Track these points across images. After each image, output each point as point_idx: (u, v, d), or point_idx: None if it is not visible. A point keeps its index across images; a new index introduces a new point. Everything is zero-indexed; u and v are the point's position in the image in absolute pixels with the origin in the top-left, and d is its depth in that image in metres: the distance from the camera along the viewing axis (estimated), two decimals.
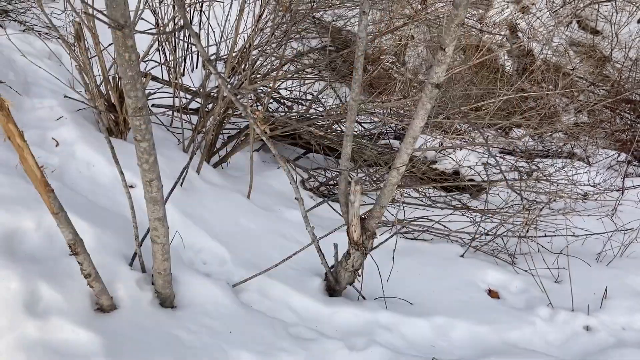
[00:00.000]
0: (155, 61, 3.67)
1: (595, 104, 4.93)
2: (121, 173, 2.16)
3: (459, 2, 1.74)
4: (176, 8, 2.88)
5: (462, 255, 3.37)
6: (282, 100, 4.63)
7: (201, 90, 3.58)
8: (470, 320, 2.74)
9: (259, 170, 3.88)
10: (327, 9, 5.67)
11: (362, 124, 4.64)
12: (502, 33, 6.94)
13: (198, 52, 4.43)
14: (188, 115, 3.80)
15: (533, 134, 4.58)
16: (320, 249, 2.63)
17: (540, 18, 7.23)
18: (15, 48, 3.43)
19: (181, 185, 3.04)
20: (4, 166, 2.44)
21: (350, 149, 2.49)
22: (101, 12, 1.50)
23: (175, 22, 3.87)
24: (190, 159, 2.98)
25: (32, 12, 5.59)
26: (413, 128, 2.18)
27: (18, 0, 5.96)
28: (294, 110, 4.49)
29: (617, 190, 4.11)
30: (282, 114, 4.33)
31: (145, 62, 3.28)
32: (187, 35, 4.46)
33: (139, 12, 2.95)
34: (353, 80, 2.28)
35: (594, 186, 4.07)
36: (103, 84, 3.11)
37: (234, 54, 3.71)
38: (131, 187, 2.76)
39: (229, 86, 3.33)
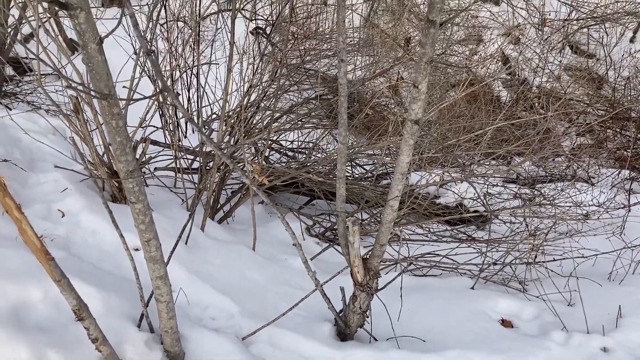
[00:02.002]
0: (154, 126, 3.79)
1: (593, 124, 4.97)
2: (121, 236, 2.22)
3: (424, 42, 1.82)
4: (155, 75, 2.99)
5: (472, 287, 3.35)
6: (282, 150, 4.72)
7: (200, 149, 3.68)
8: (484, 351, 2.70)
9: (264, 221, 3.94)
10: (318, 59, 5.84)
11: (364, 167, 4.71)
12: (495, 64, 7.07)
13: (198, 112, 4.57)
14: (190, 175, 3.90)
15: (534, 159, 4.61)
16: (325, 294, 2.65)
17: (531, 47, 7.36)
18: (21, 127, 3.57)
19: (186, 243, 3.09)
20: (8, 239, 2.52)
21: (344, 191, 2.54)
22: (82, 84, 1.59)
23: (173, 86, 4.01)
24: (191, 216, 3.04)
25: (39, 91, 5.83)
26: (400, 164, 2.23)
27: (25, 82, 6.23)
28: (294, 159, 4.58)
29: (622, 208, 4.09)
30: (283, 163, 4.42)
31: (143, 127, 3.40)
32: (189, 97, 4.62)
33: (136, 80, 3.08)
34: (339, 125, 2.35)
35: (598, 206, 4.06)
36: (104, 152, 3.22)
37: (230, 112, 3.83)
38: (136, 250, 2.81)
39: (220, 144, 3.42)
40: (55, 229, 2.89)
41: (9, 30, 4.63)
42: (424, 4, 6.89)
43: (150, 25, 3.32)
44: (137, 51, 3.29)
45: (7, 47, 4.80)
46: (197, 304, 2.76)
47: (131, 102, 2.05)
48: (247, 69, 3.44)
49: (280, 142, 4.75)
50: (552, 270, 3.48)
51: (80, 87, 1.58)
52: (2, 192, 1.60)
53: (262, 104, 4.12)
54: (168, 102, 3.72)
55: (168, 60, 4.08)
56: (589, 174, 4.83)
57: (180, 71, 4.04)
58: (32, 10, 2.72)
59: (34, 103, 5.89)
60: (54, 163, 3.49)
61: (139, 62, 3.10)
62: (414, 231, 4.03)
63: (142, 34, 3.32)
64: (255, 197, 3.61)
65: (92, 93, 1.69)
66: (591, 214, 3.87)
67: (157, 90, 3.08)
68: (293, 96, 5.37)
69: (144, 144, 3.43)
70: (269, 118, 4.35)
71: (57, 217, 2.99)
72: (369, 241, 3.94)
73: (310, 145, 4.75)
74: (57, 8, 1.54)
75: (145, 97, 1.66)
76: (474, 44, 7.69)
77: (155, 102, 3.39)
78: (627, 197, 4.32)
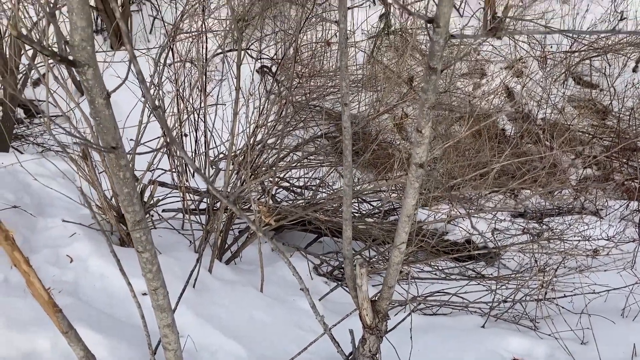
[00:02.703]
0: (162, 169, 3.83)
1: (599, 157, 4.97)
2: (129, 284, 2.23)
3: (426, 88, 1.84)
4: (162, 126, 3.04)
5: (483, 326, 3.31)
6: (290, 188, 4.75)
7: (208, 191, 3.70)
8: None
9: (272, 261, 3.93)
10: (323, 96, 5.92)
11: (371, 203, 4.71)
12: (499, 98, 7.11)
13: (205, 152, 4.62)
14: (198, 216, 3.91)
15: (541, 192, 4.60)
16: (333, 338, 2.62)
17: (534, 80, 7.41)
18: (30, 172, 3.62)
19: (193, 286, 3.09)
20: (17, 289, 2.53)
21: (351, 233, 2.54)
22: (88, 141, 1.62)
23: (181, 129, 4.07)
24: (198, 260, 3.04)
25: (49, 133, 5.92)
26: (406, 207, 2.23)
27: (34, 124, 6.33)
28: (302, 197, 4.59)
29: (632, 242, 4.05)
30: (290, 201, 4.43)
31: (151, 171, 3.43)
32: (196, 138, 4.67)
33: (142, 126, 3.13)
34: (344, 167, 2.37)
35: (608, 239, 4.03)
36: (112, 196, 3.25)
37: (237, 152, 3.87)
38: (144, 294, 2.81)
39: (226, 192, 3.45)
40: (64, 275, 2.89)
41: (20, 76, 4.73)
42: (426, 44, 6.98)
43: (158, 69, 3.38)
44: (145, 96, 3.35)
45: (18, 91, 4.89)
46: (206, 349, 2.74)
47: (139, 154, 2.09)
48: (254, 112, 3.48)
49: (287, 179, 4.78)
50: (563, 307, 3.44)
51: (88, 141, 1.61)
52: (11, 246, 1.62)
53: (269, 143, 4.15)
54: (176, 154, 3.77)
55: (175, 101, 4.14)
56: (597, 206, 4.81)
57: (187, 114, 4.10)
58: (41, 57, 2.78)
59: (44, 145, 5.97)
60: (64, 207, 3.51)
61: (146, 107, 3.15)
62: (422, 269, 4.00)
63: (150, 78, 3.39)
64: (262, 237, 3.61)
65: (100, 147, 1.72)
66: (600, 250, 3.84)
67: (165, 142, 3.12)
68: (299, 134, 5.42)
69: (151, 187, 3.46)
70: (275, 156, 4.38)
71: (66, 263, 3.00)
72: (378, 279, 3.92)
73: (317, 182, 4.77)
74: (65, 65, 1.58)
75: (152, 150, 1.69)
76: (477, 77, 7.76)
77: (159, 150, 3.43)
78: (637, 230, 4.28)
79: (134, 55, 1.49)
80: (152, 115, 3.33)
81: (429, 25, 1.71)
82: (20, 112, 6.28)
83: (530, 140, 5.72)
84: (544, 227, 4.33)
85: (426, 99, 1.88)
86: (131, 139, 2.91)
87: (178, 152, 3.74)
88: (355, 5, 7.53)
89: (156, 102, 3.33)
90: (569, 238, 3.86)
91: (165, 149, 3.58)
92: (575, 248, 3.75)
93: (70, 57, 1.60)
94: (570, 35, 7.69)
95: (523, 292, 3.48)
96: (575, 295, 3.48)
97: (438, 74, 1.82)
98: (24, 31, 3.14)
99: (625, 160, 5.43)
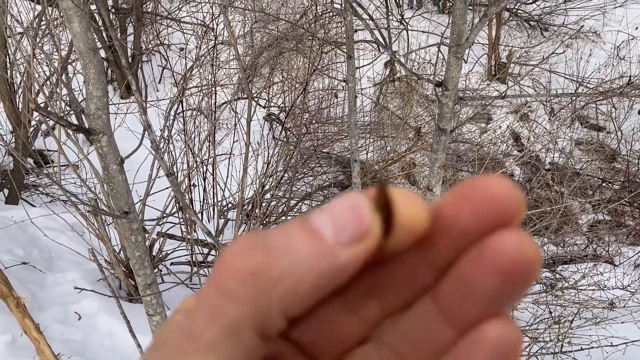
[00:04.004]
0: (171, 222, 3.83)
1: (612, 205, 4.93)
2: (139, 346, 2.20)
3: (436, 148, 1.85)
4: (174, 190, 3.06)
5: None
6: None
7: (216, 242, 3.68)
8: None
9: None
10: (331, 143, 5.95)
11: None
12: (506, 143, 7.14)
13: (213, 205, 4.63)
14: (206, 269, 3.88)
15: (552, 240, 4.55)
16: None
17: (540, 124, 7.45)
18: (39, 226, 3.62)
19: None
20: (27, 349, 2.50)
21: None
22: (99, 210, 1.62)
23: (190, 182, 4.09)
24: None
25: (59, 183, 5.95)
26: None
27: (44, 174, 6.37)
28: None
29: None
30: None
31: (161, 225, 3.43)
32: (204, 188, 4.69)
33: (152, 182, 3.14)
34: None
35: (623, 288, 3.95)
36: (120, 250, 3.24)
37: (246, 202, 3.87)
38: None
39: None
40: (72, 333, 2.86)
41: (31, 129, 4.80)
42: (431, 93, 7.05)
43: (168, 125, 3.42)
44: (155, 148, 3.38)
45: (29, 143, 4.95)
46: None
47: (150, 220, 2.10)
48: (263, 167, 3.51)
49: None
50: None
51: (101, 210, 1.61)
52: (22, 313, 1.60)
53: (277, 192, 4.16)
54: (189, 218, 3.78)
55: (185, 154, 4.18)
56: (610, 253, 4.75)
57: (197, 166, 4.13)
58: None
59: (53, 195, 5.99)
60: (73, 261, 3.51)
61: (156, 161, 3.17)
62: None
63: (160, 132, 3.43)
64: None
65: (113, 213, 1.72)
66: (616, 301, 3.77)
67: (178, 207, 3.13)
68: (308, 181, 5.43)
69: (160, 241, 3.45)
70: (284, 206, 4.38)
71: (74, 320, 2.97)
72: None
73: None
74: (81, 134, 1.60)
75: (165, 215, 1.69)
76: (483, 122, 7.81)
77: (173, 199, 3.44)
78: None
79: (148, 125, 1.51)
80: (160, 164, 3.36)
81: (437, 88, 1.73)
82: (30, 162, 6.34)
83: (539, 185, 5.69)
84: (558, 276, 4.26)
85: (436, 158, 1.89)
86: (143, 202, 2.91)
87: (190, 217, 3.74)
88: (362, 59, 7.63)
89: (168, 168, 3.36)
90: (584, 288, 3.79)
91: (176, 208, 3.59)
92: (591, 299, 3.68)
93: (86, 126, 1.63)
94: (575, 78, 7.76)
95: (538, 345, 3.40)
96: (592, 348, 3.39)
97: (447, 135, 1.83)
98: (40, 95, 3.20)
99: (637, 205, 5.39)
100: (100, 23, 5.40)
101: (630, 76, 5.33)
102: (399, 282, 0.28)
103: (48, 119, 3.01)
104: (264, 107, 6.51)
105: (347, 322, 0.29)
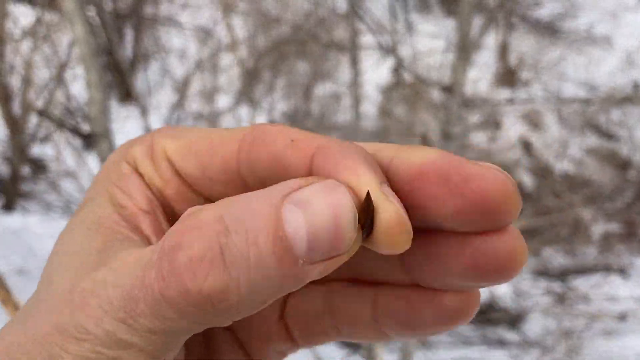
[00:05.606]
0: None
1: (622, 212, 4.83)
2: None
3: None
4: None
5: None
6: None
7: None
8: None
9: None
10: None
11: None
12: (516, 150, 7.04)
13: None
14: None
15: (562, 250, 4.46)
16: None
17: (549, 132, 7.35)
18: (35, 233, 3.57)
19: None
20: None
21: None
22: None
23: None
24: None
25: (57, 190, 5.92)
26: None
27: (40, 178, 6.34)
28: None
29: None
30: None
31: None
32: None
33: None
34: None
35: (635, 300, 3.84)
36: None
37: None
38: None
39: None
40: None
41: (28, 137, 4.76)
42: (438, 99, 6.98)
43: None
44: None
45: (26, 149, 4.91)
46: None
47: None
48: None
49: None
50: None
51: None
52: None
53: None
54: None
55: None
56: (621, 264, 4.64)
57: None
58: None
59: (51, 202, 5.94)
60: None
61: None
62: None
63: None
64: None
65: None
66: (629, 313, 3.66)
67: None
68: None
69: None
70: None
71: None
72: (395, 342, 3.76)
73: None
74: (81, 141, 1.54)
75: None
76: (492, 128, 7.71)
77: None
78: None
79: (149, 130, 1.44)
80: None
81: (443, 93, 1.65)
82: (26, 169, 6.30)
83: (550, 192, 5.60)
84: (567, 287, 4.16)
85: None
86: None
87: None
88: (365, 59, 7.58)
89: None
90: (595, 299, 3.69)
91: None
92: (602, 311, 3.58)
93: (87, 131, 1.58)
94: (585, 83, 7.67)
95: (549, 357, 3.30)
96: None
97: (453, 141, 1.75)
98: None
99: None
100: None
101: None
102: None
103: (47, 122, 2.96)
104: (267, 113, 6.45)
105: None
